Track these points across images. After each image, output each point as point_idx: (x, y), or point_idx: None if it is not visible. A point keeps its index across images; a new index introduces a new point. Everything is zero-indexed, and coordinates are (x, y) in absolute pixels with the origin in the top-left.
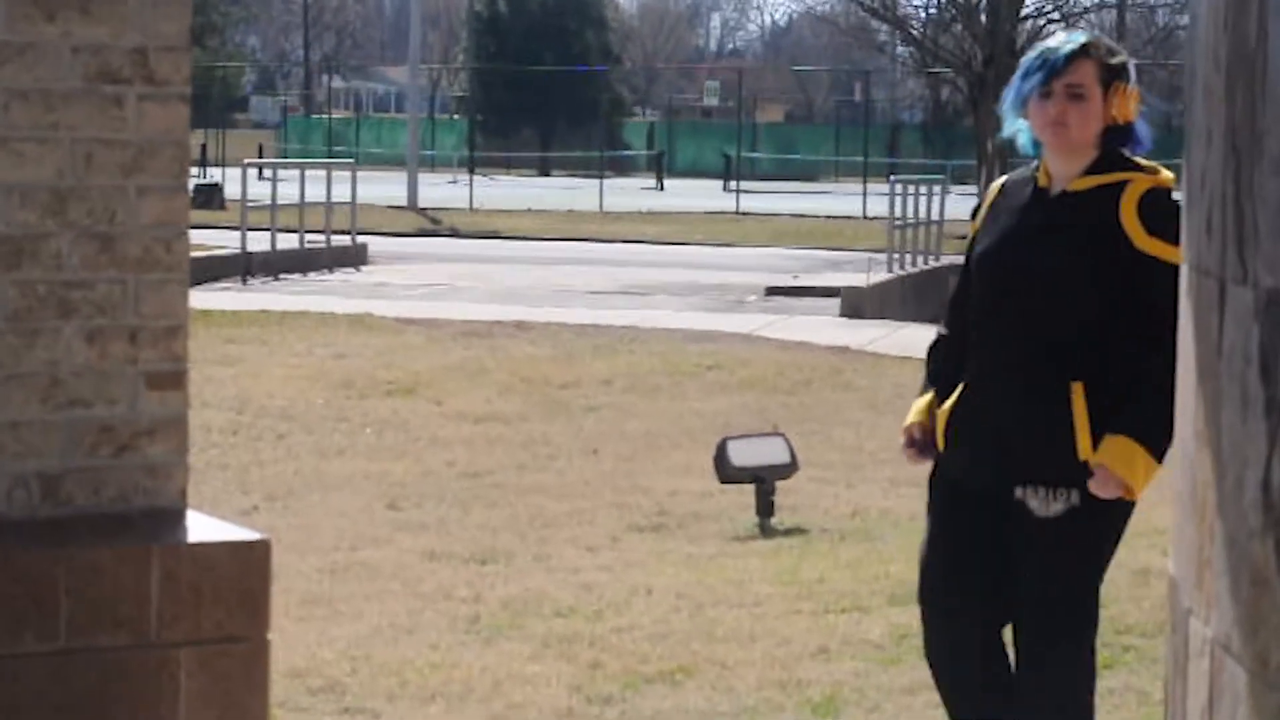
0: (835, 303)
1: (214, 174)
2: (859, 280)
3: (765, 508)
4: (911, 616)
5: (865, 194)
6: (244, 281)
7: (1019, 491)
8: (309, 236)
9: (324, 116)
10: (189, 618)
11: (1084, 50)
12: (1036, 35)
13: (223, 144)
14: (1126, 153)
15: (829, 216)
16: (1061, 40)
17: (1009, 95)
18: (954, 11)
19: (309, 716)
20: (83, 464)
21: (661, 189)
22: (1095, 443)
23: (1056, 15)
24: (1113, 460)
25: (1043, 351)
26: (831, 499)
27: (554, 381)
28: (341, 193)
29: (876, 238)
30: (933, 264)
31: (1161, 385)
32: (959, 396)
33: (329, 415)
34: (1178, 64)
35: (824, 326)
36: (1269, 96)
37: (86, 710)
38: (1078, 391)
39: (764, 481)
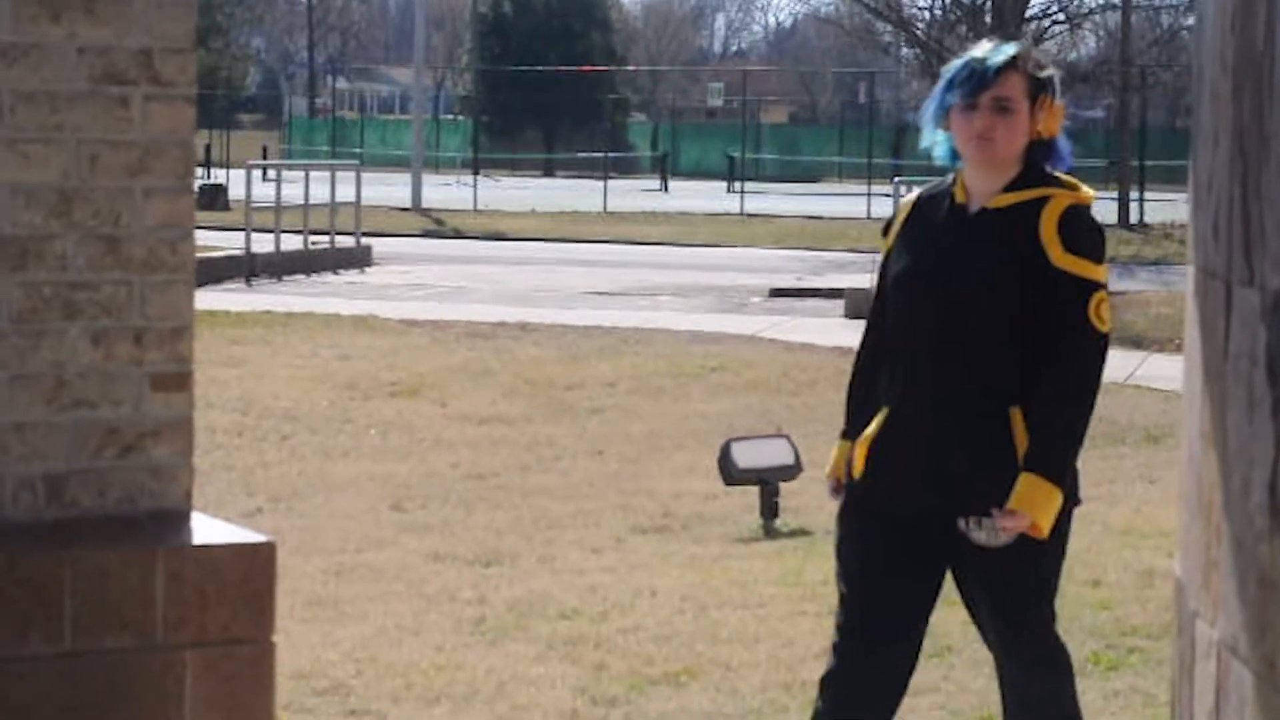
0: (840, 304)
1: (218, 175)
2: (863, 282)
3: (769, 509)
4: None
5: (870, 195)
6: (248, 283)
7: (962, 524)
8: (313, 238)
9: (328, 118)
10: (194, 620)
11: (1013, 62)
12: (1041, 37)
13: (227, 145)
14: (1048, 169)
15: (833, 218)
16: (989, 50)
17: (930, 105)
18: (959, 13)
19: (314, 718)
20: (88, 465)
21: (665, 190)
22: None
23: (1061, 16)
24: (1030, 506)
25: (974, 378)
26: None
27: (558, 383)
28: (346, 194)
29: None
30: None
31: (1073, 417)
32: (884, 423)
33: (333, 416)
34: (1182, 66)
35: (828, 328)
36: (1277, 99)
37: (92, 712)
38: (1017, 418)
39: (768, 483)
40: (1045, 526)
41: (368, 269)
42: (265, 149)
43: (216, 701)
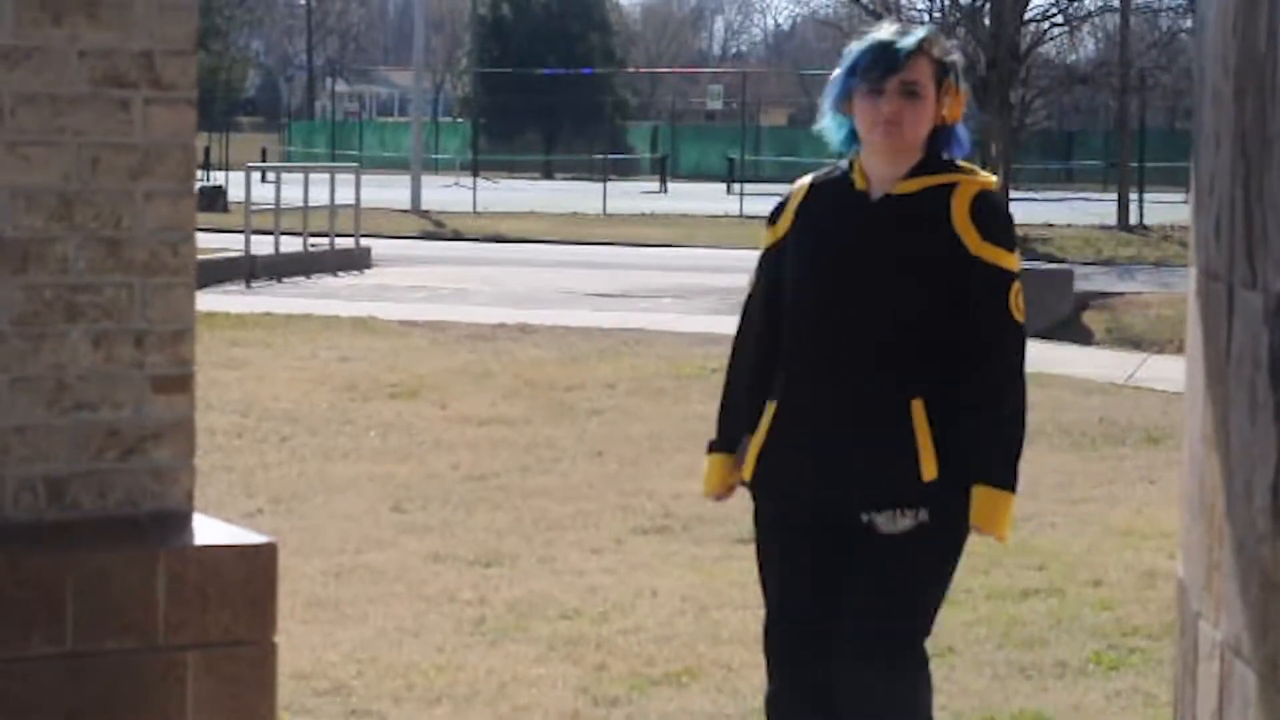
0: None
1: (217, 177)
2: None
3: None
4: None
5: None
6: (247, 284)
7: (865, 517)
8: (312, 240)
9: (327, 120)
10: (196, 621)
11: (921, 47)
12: (1040, 39)
13: (226, 147)
14: (947, 155)
15: None
16: (895, 34)
17: (832, 90)
18: (957, 15)
19: (315, 719)
20: (89, 467)
21: (665, 192)
22: (940, 464)
23: (1060, 19)
24: (986, 521)
25: (878, 368)
26: None
27: (558, 384)
28: (345, 196)
29: None
30: None
31: (1010, 413)
32: (776, 423)
33: (333, 418)
34: (1181, 68)
35: None
36: (1279, 101)
37: (94, 713)
38: (918, 410)
39: None
40: (1007, 534)
41: (367, 271)
42: (264, 151)
43: (218, 702)
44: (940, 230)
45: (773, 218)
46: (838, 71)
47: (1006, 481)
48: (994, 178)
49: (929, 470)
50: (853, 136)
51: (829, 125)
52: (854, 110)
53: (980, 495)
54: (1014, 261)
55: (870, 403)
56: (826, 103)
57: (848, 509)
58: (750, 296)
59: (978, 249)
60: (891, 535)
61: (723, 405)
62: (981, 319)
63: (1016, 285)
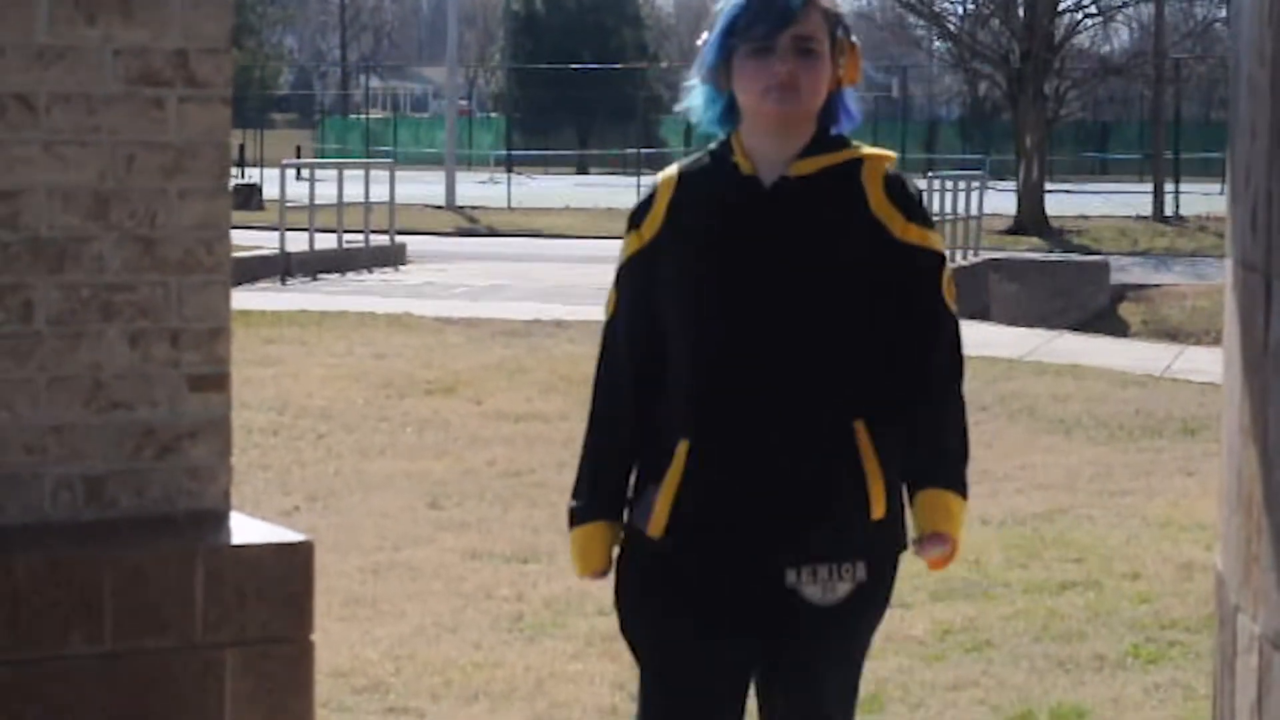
0: None
1: (252, 174)
2: None
3: None
4: (956, 612)
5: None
6: (283, 282)
7: (790, 577)
8: (347, 236)
9: (361, 116)
10: (233, 619)
11: None
12: (1074, 30)
13: (261, 144)
14: (835, 130)
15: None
16: None
17: (707, 55)
18: (991, 6)
19: (353, 716)
20: (126, 466)
21: None
22: (886, 491)
23: (1094, 9)
24: (947, 524)
25: (811, 386)
26: None
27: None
28: (379, 192)
29: None
30: (972, 259)
31: (956, 416)
32: (691, 464)
33: (369, 415)
34: (1216, 58)
35: None
36: None
37: (133, 712)
38: (861, 433)
39: None
40: (959, 541)
41: (402, 267)
42: (299, 148)
43: (256, 700)
44: (856, 215)
45: (635, 220)
46: (708, 34)
47: (962, 484)
48: (892, 153)
49: (878, 507)
50: (730, 113)
51: (698, 102)
52: (734, 77)
53: (935, 497)
54: (941, 242)
55: (807, 429)
56: (696, 74)
57: (766, 568)
58: (612, 319)
59: (903, 232)
60: (823, 608)
61: (593, 460)
62: (915, 312)
63: (948, 270)
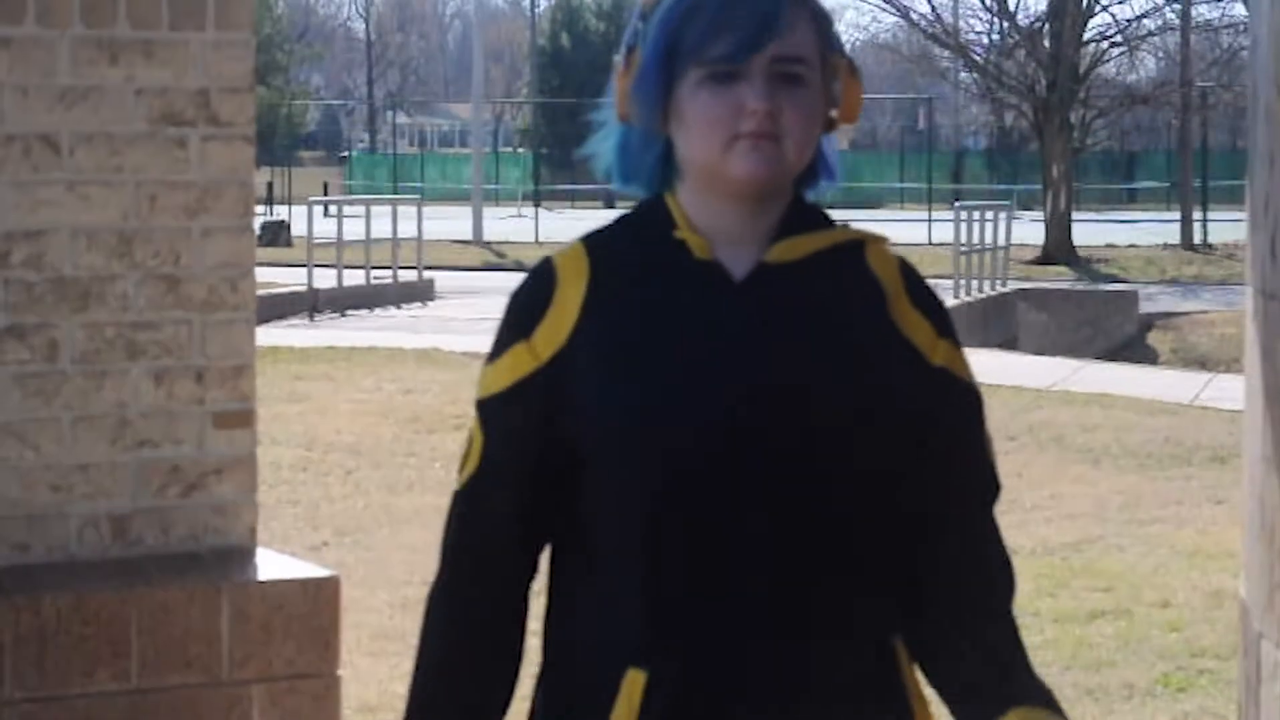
0: None
1: (280, 211)
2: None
3: None
4: None
5: (930, 220)
6: (311, 318)
7: None
8: (375, 272)
9: (388, 153)
10: (260, 655)
11: None
12: (1100, 59)
13: (289, 181)
14: (810, 195)
15: (896, 243)
16: None
17: (639, 82)
18: (1017, 37)
19: None
20: (152, 504)
21: None
22: None
23: (1119, 38)
24: None
25: (832, 589)
26: None
27: None
28: (407, 228)
29: (942, 264)
30: (999, 289)
31: (1013, 613)
32: (652, 706)
33: (397, 450)
34: (1243, 86)
35: None
36: None
37: None
38: (903, 658)
39: None
40: None
41: (430, 303)
42: (326, 185)
43: None
44: (874, 324)
45: (517, 323)
46: (635, 45)
47: (1049, 697)
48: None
49: None
50: (665, 165)
51: (614, 145)
52: (677, 115)
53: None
54: (972, 371)
55: (832, 652)
56: (611, 108)
57: None
58: (474, 480)
59: (932, 351)
60: None
61: (442, 687)
62: (955, 471)
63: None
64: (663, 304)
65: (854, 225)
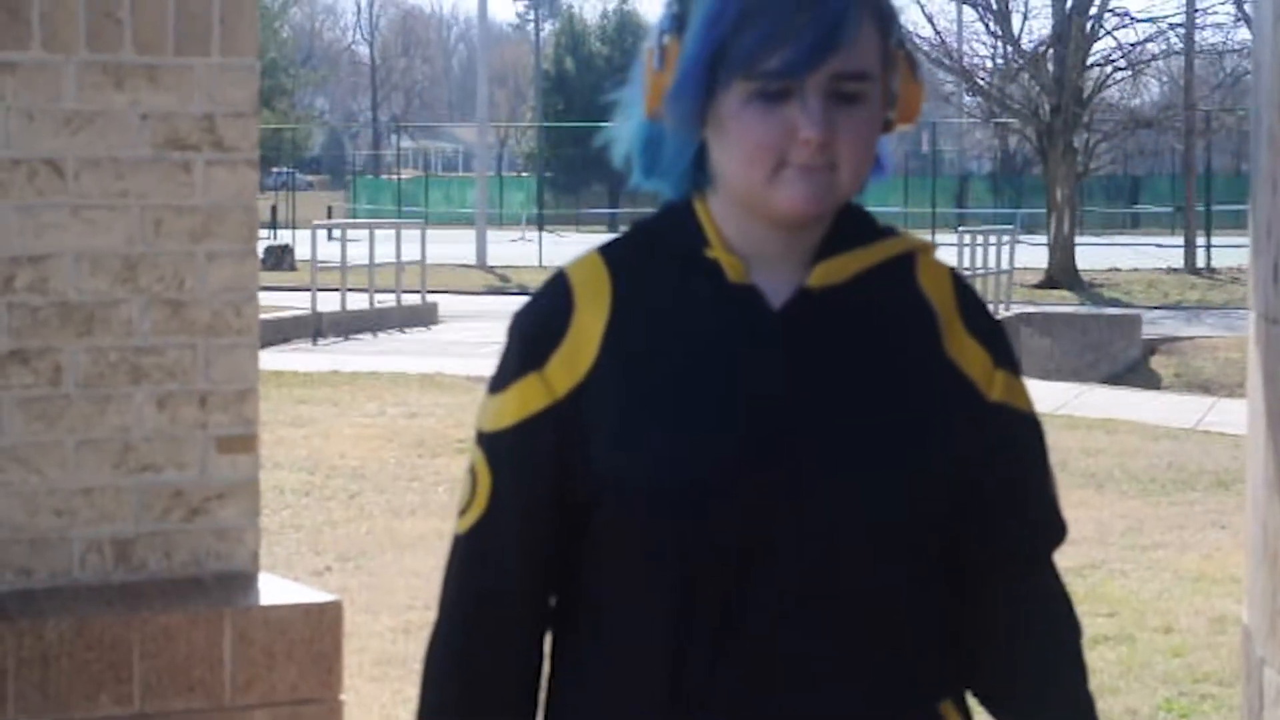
0: None
1: (284, 235)
2: None
3: None
4: None
5: (934, 245)
6: (315, 342)
7: None
8: (379, 296)
9: (392, 177)
10: (262, 680)
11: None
12: (1104, 83)
13: (293, 205)
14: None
15: None
16: None
17: (682, 90)
18: (1021, 61)
19: None
20: (155, 528)
21: None
22: None
23: (1123, 63)
24: None
25: (881, 648)
26: None
27: None
28: (411, 252)
29: None
30: (1003, 313)
31: (1080, 646)
32: None
33: (401, 474)
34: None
35: None
36: None
37: None
38: (950, 714)
39: None
40: None
41: (434, 326)
42: (330, 209)
43: None
44: (925, 362)
45: (531, 350)
46: (673, 37)
47: None
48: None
49: None
50: (697, 171)
51: (638, 137)
52: (719, 128)
53: None
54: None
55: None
56: (635, 93)
57: None
58: (487, 515)
59: (989, 385)
60: None
61: None
62: (1016, 515)
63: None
64: (693, 336)
65: (881, 233)
